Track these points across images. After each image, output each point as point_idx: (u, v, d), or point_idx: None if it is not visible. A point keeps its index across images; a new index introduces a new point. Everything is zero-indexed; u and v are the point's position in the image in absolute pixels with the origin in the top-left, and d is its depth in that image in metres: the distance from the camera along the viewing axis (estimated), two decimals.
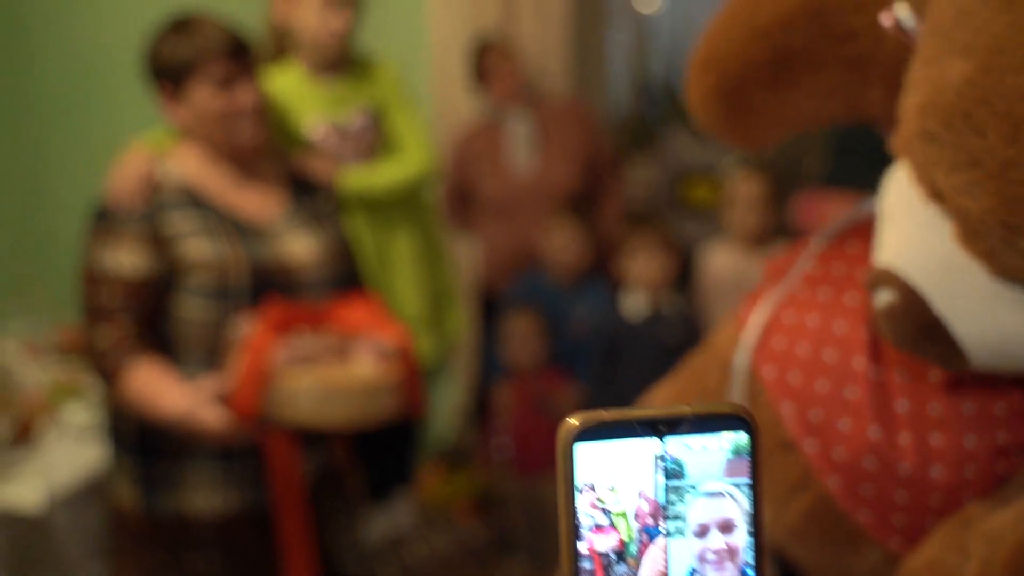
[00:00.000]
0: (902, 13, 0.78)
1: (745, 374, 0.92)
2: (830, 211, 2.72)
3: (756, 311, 0.93)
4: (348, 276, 2.11)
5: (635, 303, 3.04)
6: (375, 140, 2.59)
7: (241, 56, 1.95)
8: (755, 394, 0.91)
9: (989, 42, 0.65)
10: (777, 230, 3.13)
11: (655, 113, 6.84)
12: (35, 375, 2.62)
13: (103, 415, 2.13)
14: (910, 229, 0.73)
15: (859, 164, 2.95)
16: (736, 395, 0.92)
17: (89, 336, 1.91)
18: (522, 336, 3.12)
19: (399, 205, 2.61)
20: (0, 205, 3.92)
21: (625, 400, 2.93)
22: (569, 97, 3.71)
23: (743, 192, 3.06)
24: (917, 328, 0.73)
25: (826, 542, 0.89)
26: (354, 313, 1.89)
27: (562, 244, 3.21)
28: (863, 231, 0.94)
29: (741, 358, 0.92)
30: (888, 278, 0.74)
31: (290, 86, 2.51)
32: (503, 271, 3.45)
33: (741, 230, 3.07)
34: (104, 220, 1.93)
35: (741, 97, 0.89)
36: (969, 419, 0.83)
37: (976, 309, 0.71)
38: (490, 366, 3.32)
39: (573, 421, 0.49)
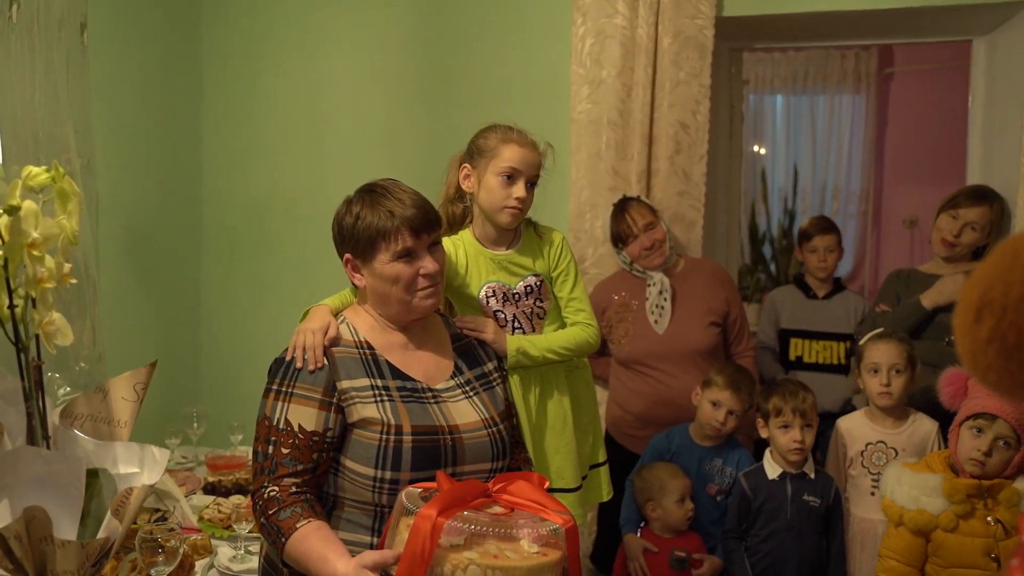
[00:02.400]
0: None
1: None
2: (986, 399, 2.63)
3: None
4: (509, 440, 2.07)
5: (777, 462, 2.93)
6: (542, 306, 2.55)
7: (427, 230, 1.96)
8: None
9: None
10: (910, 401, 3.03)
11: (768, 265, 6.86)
12: (187, 510, 2.55)
13: (258, 564, 2.06)
14: None
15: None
16: None
17: (258, 484, 1.87)
18: (667, 489, 3.00)
19: (557, 370, 2.55)
20: (167, 336, 4.01)
21: (763, 556, 2.78)
22: (702, 254, 3.67)
23: (881, 357, 2.94)
24: None
25: None
26: (519, 492, 1.79)
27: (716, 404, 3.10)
28: None
29: None
30: None
31: (465, 253, 2.50)
32: (631, 423, 3.38)
33: (880, 397, 2.94)
34: (284, 372, 1.92)
35: (1023, 352, 0.82)
36: None
37: None
38: (625, 517, 3.19)
39: None
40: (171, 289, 4.03)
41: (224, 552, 2.40)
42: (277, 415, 1.89)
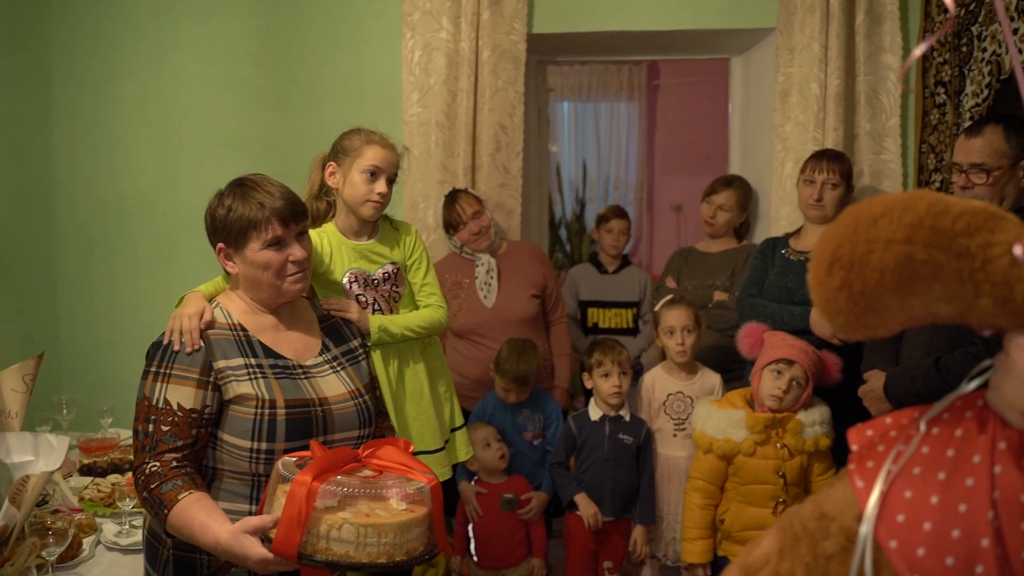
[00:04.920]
0: None
1: (871, 545, 0.83)
2: (766, 341, 2.76)
3: (877, 484, 0.85)
4: (374, 409, 1.98)
5: (600, 407, 2.99)
6: (398, 291, 2.48)
7: (295, 220, 1.84)
8: (880, 563, 0.83)
9: None
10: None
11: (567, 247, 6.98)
12: (67, 492, 2.34)
13: (143, 536, 1.91)
14: None
15: (763, 308, 3.03)
16: (858, 562, 0.84)
17: (139, 461, 1.72)
18: (474, 440, 2.98)
19: (413, 347, 2.50)
20: (26, 329, 3.65)
21: (585, 485, 2.82)
22: (521, 237, 3.68)
23: (675, 321, 3.02)
24: None
25: None
26: (387, 456, 1.73)
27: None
28: (959, 416, 0.88)
29: (867, 528, 0.84)
30: None
31: (329, 244, 2.40)
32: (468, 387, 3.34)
33: (678, 355, 3.01)
34: (162, 354, 1.77)
35: (867, 297, 0.82)
36: None
37: None
38: (460, 469, 3.16)
39: None
40: (26, 285, 3.68)
41: (109, 528, 2.20)
42: (156, 395, 1.73)
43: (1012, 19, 2.82)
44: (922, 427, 0.87)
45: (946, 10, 3.26)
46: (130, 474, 2.40)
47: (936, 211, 0.78)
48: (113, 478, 2.43)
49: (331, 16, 3.72)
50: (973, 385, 0.87)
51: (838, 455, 2.68)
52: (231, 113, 3.78)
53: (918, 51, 0.99)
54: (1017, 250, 0.75)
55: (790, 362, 2.64)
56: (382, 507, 1.61)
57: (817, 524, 0.90)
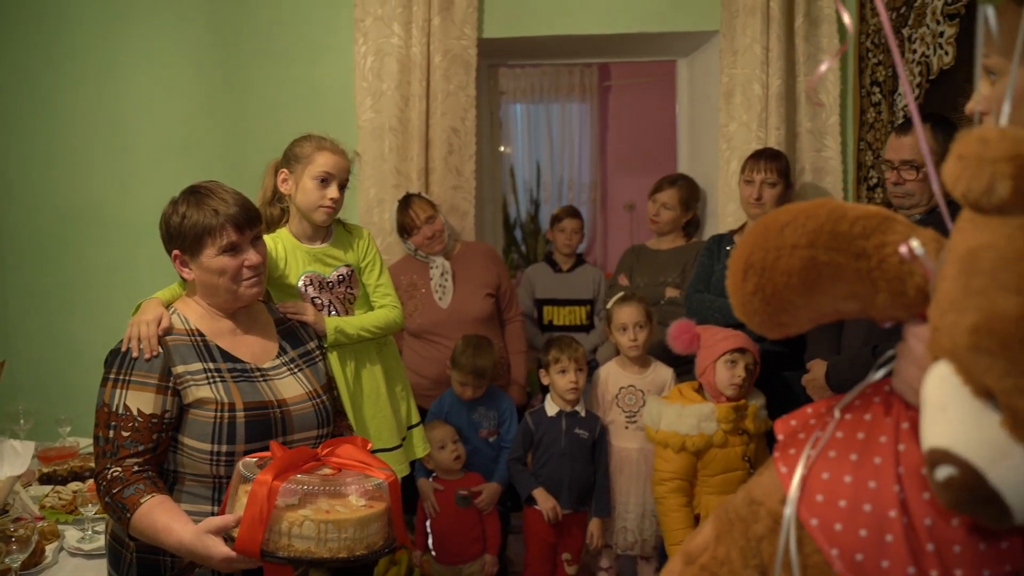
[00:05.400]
0: (916, 245, 0.83)
1: (794, 524, 0.91)
2: (704, 336, 2.84)
3: (798, 468, 0.93)
4: (332, 409, 2.02)
5: (556, 402, 3.06)
6: (353, 293, 2.53)
7: (250, 226, 1.87)
8: (803, 540, 0.91)
9: None
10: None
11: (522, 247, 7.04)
12: (27, 501, 2.33)
13: (105, 541, 1.93)
14: (961, 417, 0.75)
15: (711, 303, 3.12)
16: (784, 541, 0.91)
17: (100, 467, 1.74)
18: (431, 440, 3.03)
19: (368, 347, 2.54)
20: None
21: (543, 479, 2.89)
22: (475, 238, 3.72)
23: (627, 318, 3.09)
24: (974, 498, 0.74)
25: None
26: (346, 454, 1.77)
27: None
28: (869, 401, 0.96)
29: (790, 510, 0.91)
30: (947, 457, 0.75)
31: (284, 248, 2.44)
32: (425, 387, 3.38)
33: (630, 350, 3.08)
34: (121, 361, 1.79)
35: (778, 299, 0.89)
36: (983, 555, 0.85)
37: (1023, 481, 0.73)
38: (418, 466, 3.20)
39: None
40: None
41: (72, 534, 2.21)
42: (116, 401, 1.76)
43: (938, 22, 2.95)
44: (836, 414, 0.95)
45: (877, 13, 3.38)
46: (91, 481, 2.41)
47: (835, 217, 0.86)
48: (74, 485, 2.44)
49: (283, 23, 3.74)
50: (880, 373, 0.95)
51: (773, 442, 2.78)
52: (183, 120, 3.78)
53: (823, 67, 1.07)
54: (903, 249, 0.83)
55: (743, 351, 2.74)
56: (342, 504, 1.66)
57: (748, 509, 0.97)
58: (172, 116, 3.78)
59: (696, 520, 2.78)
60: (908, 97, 0.98)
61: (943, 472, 0.75)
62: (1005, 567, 0.85)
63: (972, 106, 1.06)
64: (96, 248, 3.86)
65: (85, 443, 2.94)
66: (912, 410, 0.89)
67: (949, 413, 0.76)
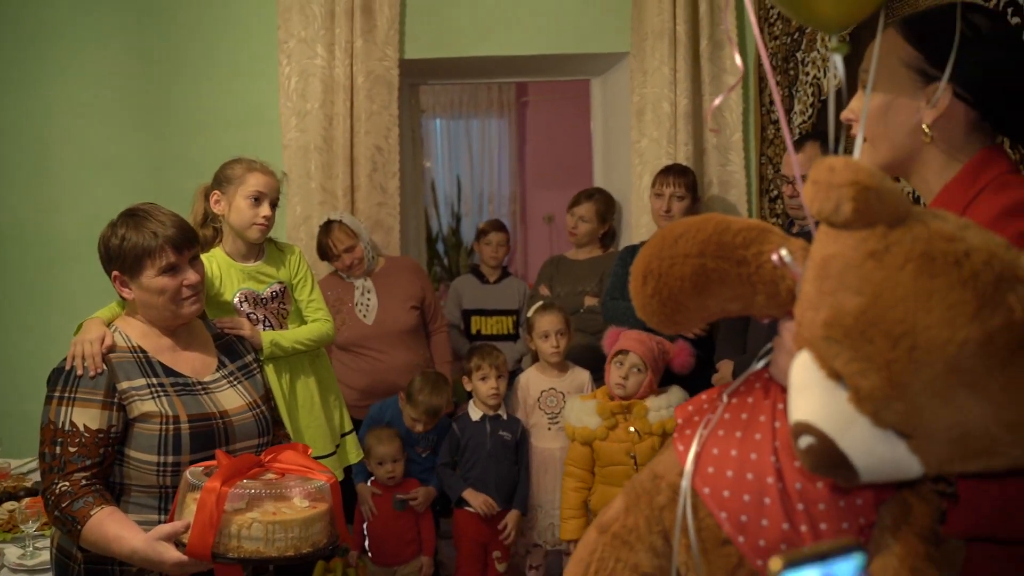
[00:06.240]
0: (785, 253, 1.00)
1: (689, 493, 1.07)
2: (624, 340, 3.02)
3: (692, 446, 1.09)
4: (271, 418, 2.11)
5: (479, 407, 3.21)
6: (286, 308, 2.63)
7: (187, 246, 1.94)
8: (697, 506, 1.07)
9: (872, 288, 0.86)
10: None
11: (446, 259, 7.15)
12: None
13: (50, 555, 1.97)
14: (818, 395, 0.91)
15: (625, 309, 3.31)
16: (682, 508, 1.07)
17: (48, 483, 1.80)
18: (373, 454, 3.16)
19: (302, 359, 2.65)
20: None
21: (471, 481, 3.02)
22: (400, 252, 3.84)
23: (548, 326, 3.26)
24: (829, 461, 0.91)
25: None
26: (288, 460, 1.87)
27: None
28: (751, 387, 1.13)
29: (686, 482, 1.07)
30: (808, 428, 0.91)
31: (218, 267, 2.52)
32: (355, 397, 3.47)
33: (552, 356, 3.25)
34: (65, 380, 1.85)
35: (673, 301, 1.05)
36: (843, 510, 1.02)
37: (866, 446, 0.90)
38: (357, 471, 3.28)
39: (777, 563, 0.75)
40: None
41: (12, 551, 2.24)
42: (62, 418, 1.82)
43: (826, 47, 3.21)
44: (724, 399, 1.12)
45: (777, 37, 3.64)
46: (27, 499, 2.44)
47: (720, 229, 1.02)
48: (9, 505, 2.46)
49: (208, 43, 3.80)
50: (761, 363, 1.13)
51: None
52: (108, 139, 3.79)
53: (717, 100, 1.25)
54: (775, 257, 1.00)
55: (626, 352, 2.93)
56: (287, 506, 1.75)
57: (652, 483, 1.13)
58: (97, 134, 3.79)
59: (586, 507, 3.01)
60: (782, 121, 1.16)
61: (804, 441, 0.92)
62: (860, 519, 1.02)
63: (844, 115, 1.35)
64: (18, 267, 3.82)
65: (16, 463, 2.95)
66: (786, 393, 1.06)
67: (808, 392, 0.92)
